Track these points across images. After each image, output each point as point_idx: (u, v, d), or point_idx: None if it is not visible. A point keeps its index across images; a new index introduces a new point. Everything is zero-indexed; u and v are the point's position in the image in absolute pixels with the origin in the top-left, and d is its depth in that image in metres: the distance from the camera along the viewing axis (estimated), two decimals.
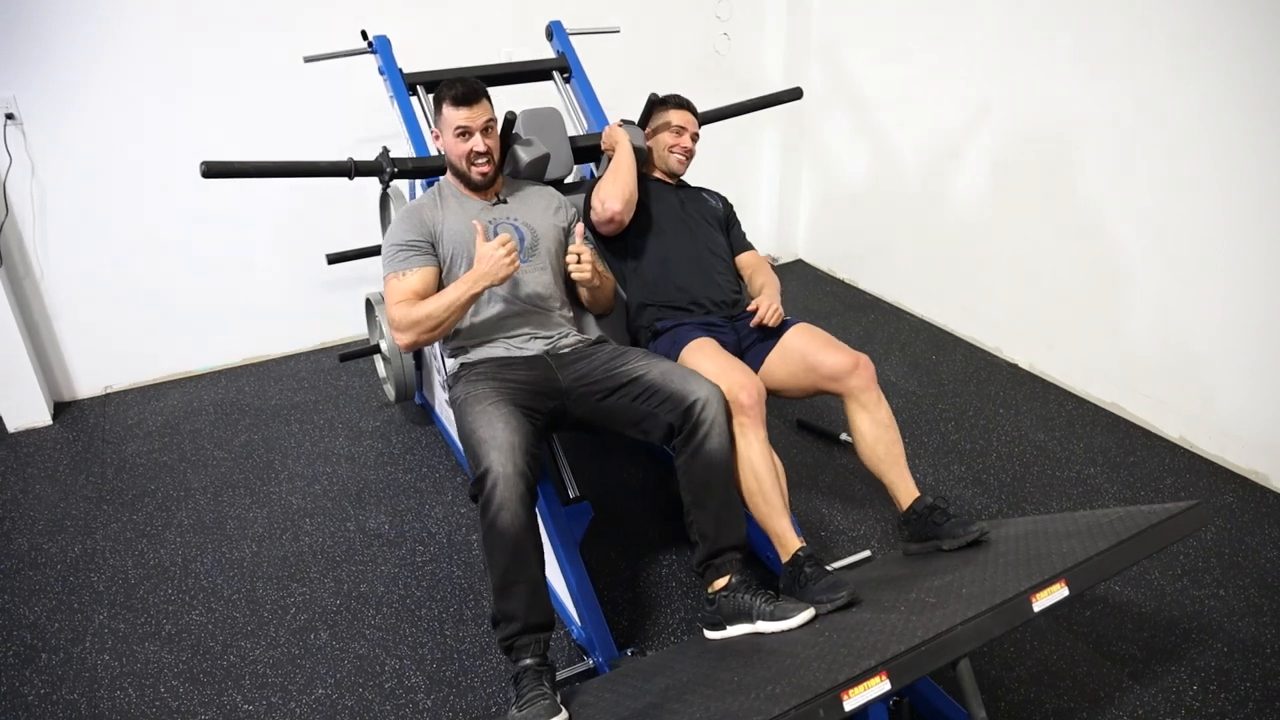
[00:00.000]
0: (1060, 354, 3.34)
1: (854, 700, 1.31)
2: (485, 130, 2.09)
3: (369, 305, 3.08)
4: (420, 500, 2.75)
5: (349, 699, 2.05)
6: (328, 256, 2.80)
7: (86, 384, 3.40)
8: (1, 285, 3.01)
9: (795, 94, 3.02)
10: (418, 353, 2.95)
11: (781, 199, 4.49)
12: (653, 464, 2.92)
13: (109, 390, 3.44)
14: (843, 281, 4.38)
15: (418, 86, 2.68)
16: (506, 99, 3.19)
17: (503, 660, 2.13)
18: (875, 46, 3.86)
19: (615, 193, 2.24)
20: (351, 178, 2.37)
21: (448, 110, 2.08)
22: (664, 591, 2.37)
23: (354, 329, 3.76)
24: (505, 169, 2.31)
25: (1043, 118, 3.18)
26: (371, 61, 2.83)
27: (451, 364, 2.16)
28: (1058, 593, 1.51)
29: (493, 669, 2.13)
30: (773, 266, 4.54)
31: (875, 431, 2.11)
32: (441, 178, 2.27)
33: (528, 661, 1.69)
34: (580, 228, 2.20)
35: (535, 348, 2.11)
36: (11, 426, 3.18)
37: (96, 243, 3.23)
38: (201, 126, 3.24)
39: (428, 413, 3.20)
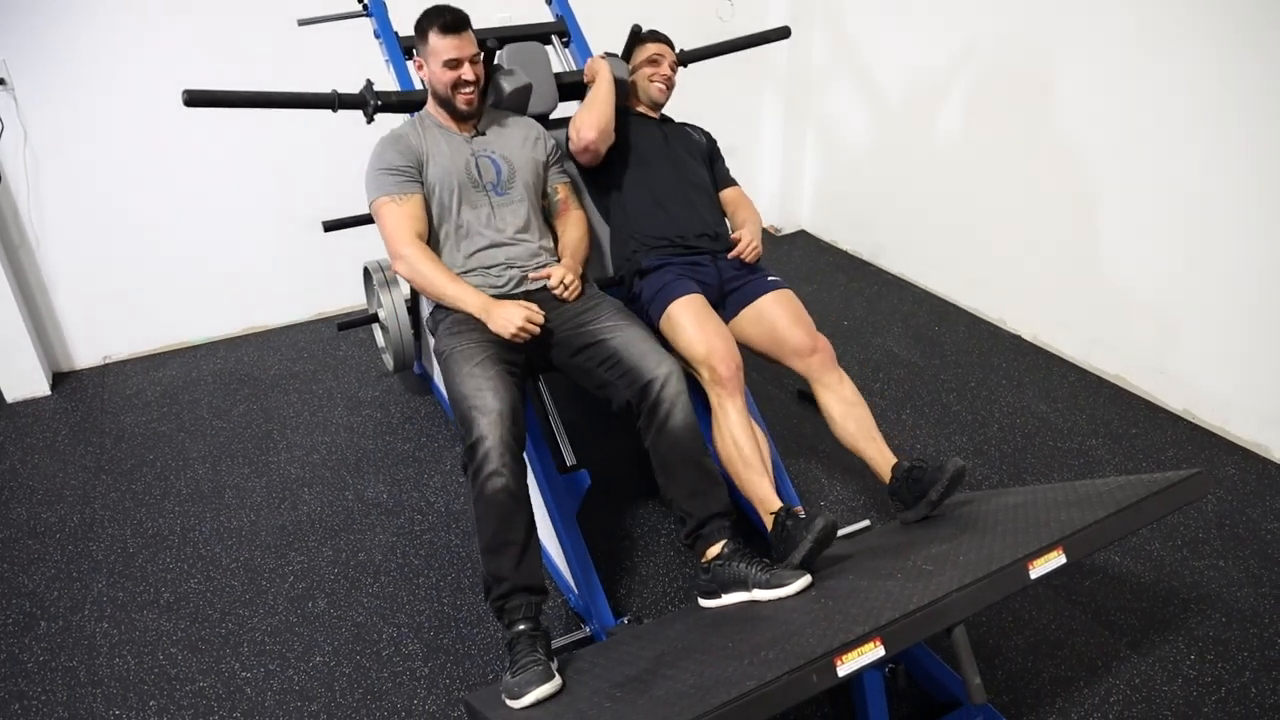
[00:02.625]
0: (1064, 325, 3.31)
1: (847, 666, 1.30)
2: (473, 60, 2.10)
3: (367, 274, 3.06)
4: (418, 470, 2.74)
5: (346, 666, 2.05)
6: (324, 224, 2.77)
7: (85, 354, 3.39)
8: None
9: (783, 33, 2.99)
10: (416, 322, 2.93)
11: (785, 170, 4.43)
12: None
13: (108, 360, 3.44)
14: (846, 253, 4.34)
15: (413, 51, 2.63)
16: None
17: (498, 630, 2.13)
18: (880, 14, 3.79)
19: (590, 121, 2.26)
20: (335, 110, 2.34)
21: (435, 39, 2.06)
22: (661, 560, 2.37)
23: (352, 299, 3.74)
24: (488, 99, 2.33)
25: (1053, 88, 3.13)
26: (367, 25, 2.77)
27: (433, 317, 2.16)
28: (1055, 560, 1.50)
29: (490, 637, 2.13)
30: (777, 237, 4.53)
31: (843, 409, 2.16)
32: (423, 109, 2.26)
33: (521, 627, 1.69)
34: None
35: (509, 277, 2.12)
36: (10, 397, 3.17)
37: (93, 211, 3.20)
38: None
39: (426, 383, 3.19)
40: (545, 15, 2.93)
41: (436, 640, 2.12)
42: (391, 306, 2.89)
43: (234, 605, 2.24)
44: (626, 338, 1.99)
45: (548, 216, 2.32)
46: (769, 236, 4.58)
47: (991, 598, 1.44)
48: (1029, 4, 3.13)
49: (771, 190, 4.51)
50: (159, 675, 2.04)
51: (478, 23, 2.31)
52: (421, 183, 2.11)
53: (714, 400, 2.07)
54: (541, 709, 1.54)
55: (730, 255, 2.30)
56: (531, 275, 2.14)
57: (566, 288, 2.10)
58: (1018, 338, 3.48)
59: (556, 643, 1.87)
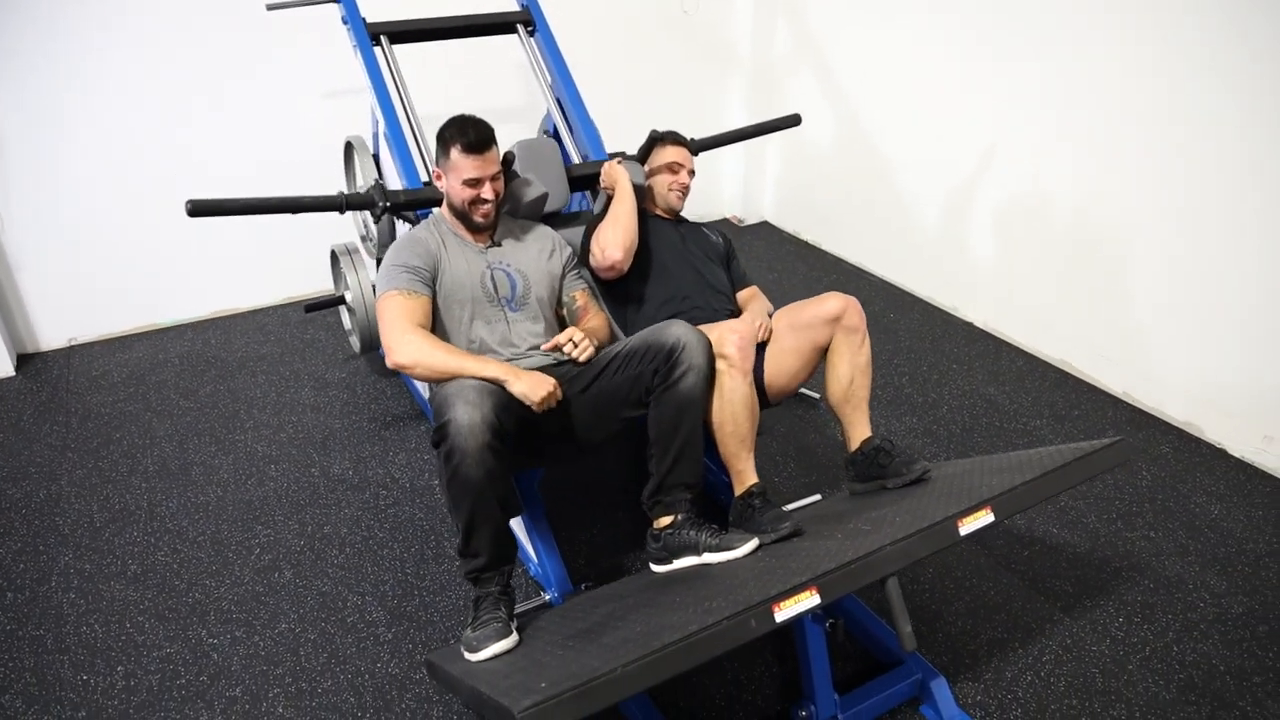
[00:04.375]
0: (1011, 313, 3.44)
1: (785, 612, 1.39)
2: (494, 178, 2.06)
3: (334, 256, 3.10)
4: (384, 447, 2.80)
5: (312, 633, 2.11)
6: (305, 307, 2.80)
7: (50, 336, 3.40)
8: None
9: (794, 120, 2.94)
10: None
11: (748, 161, 4.53)
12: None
13: (73, 342, 3.45)
14: (807, 244, 4.45)
15: (381, 36, 2.69)
16: (467, 51, 3.20)
17: (462, 597, 2.20)
18: (841, 7, 3.90)
19: (616, 240, 2.19)
20: (342, 212, 2.33)
21: (458, 156, 2.01)
22: (622, 535, 2.45)
23: (320, 283, 3.76)
24: (503, 208, 2.25)
25: (1003, 85, 3.25)
26: (335, 11, 2.82)
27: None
28: (983, 518, 1.60)
29: (451, 604, 2.19)
30: (739, 228, 4.62)
31: (851, 373, 2.13)
32: (437, 211, 2.21)
33: (490, 589, 1.75)
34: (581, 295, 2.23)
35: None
36: None
37: (60, 194, 3.22)
38: (166, 77, 3.23)
39: None
40: (510, 4, 2.99)
41: (400, 608, 2.18)
42: (359, 288, 2.94)
43: (201, 576, 2.29)
44: (641, 334, 1.96)
45: (564, 325, 2.23)
46: (732, 226, 4.67)
47: (922, 551, 1.54)
48: (981, 4, 3.24)
49: (735, 182, 4.61)
50: (126, 642, 2.08)
51: (443, 9, 2.36)
52: (434, 289, 2.03)
53: (721, 368, 1.99)
54: (498, 660, 1.61)
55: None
56: (544, 347, 2.07)
57: (576, 345, 2.01)
58: (969, 325, 3.60)
59: (518, 609, 1.93)
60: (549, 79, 2.85)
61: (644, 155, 2.48)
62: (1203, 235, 2.73)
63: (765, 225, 4.70)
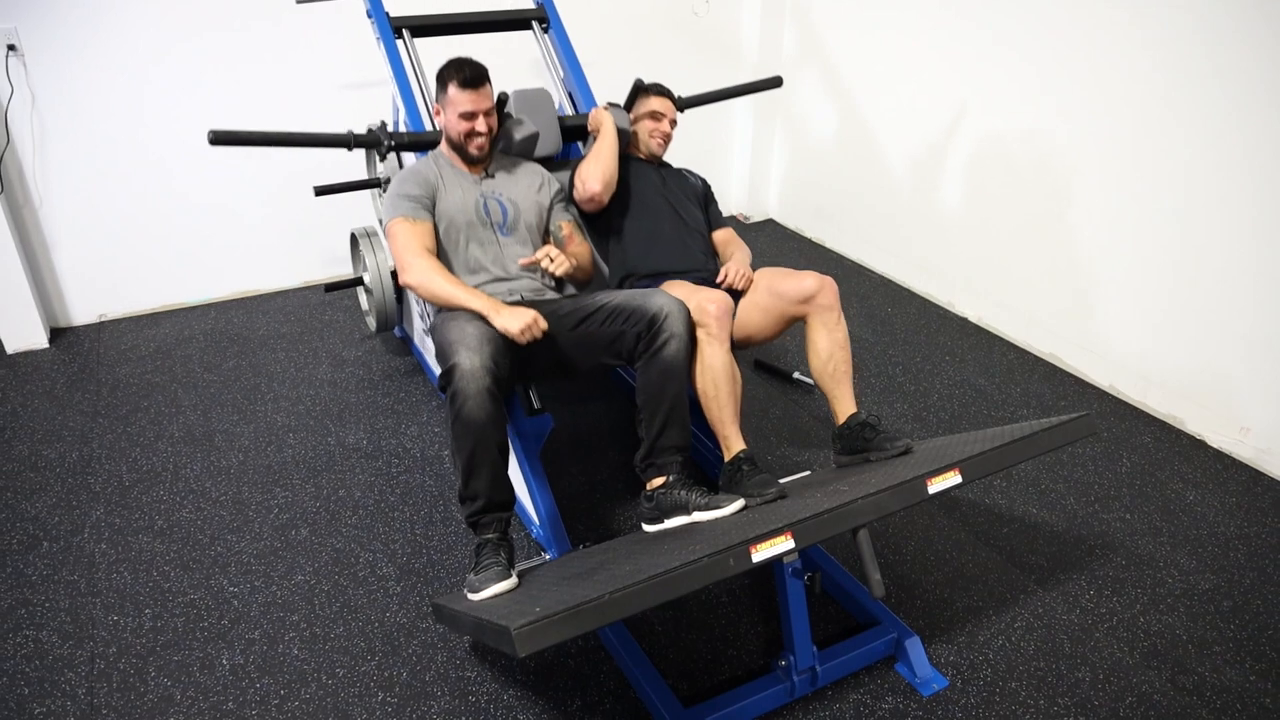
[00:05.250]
0: (1006, 308, 3.55)
1: (761, 554, 1.52)
2: (487, 113, 2.27)
3: (354, 240, 3.25)
4: (397, 420, 2.94)
5: (326, 584, 2.25)
6: (315, 189, 2.95)
7: (82, 311, 3.56)
8: (4, 212, 3.16)
9: (775, 82, 3.14)
10: (398, 286, 3.13)
11: (754, 160, 4.66)
12: (618, 393, 3.11)
13: (103, 318, 3.61)
14: (809, 240, 4.58)
15: (403, 30, 2.84)
16: (485, 46, 3.34)
17: (467, 555, 2.34)
18: (846, 10, 4.03)
19: (595, 173, 2.39)
20: (350, 149, 2.51)
21: (454, 91, 2.23)
22: (619, 500, 2.58)
23: (336, 268, 3.93)
24: (497, 145, 2.47)
25: (998, 89, 3.37)
26: (360, 4, 2.97)
27: (431, 306, 2.29)
28: (951, 479, 1.72)
29: (457, 563, 2.33)
30: (744, 225, 4.75)
31: (830, 349, 2.25)
32: (437, 149, 2.41)
33: (489, 535, 1.89)
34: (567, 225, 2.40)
35: (514, 299, 2.23)
36: (10, 348, 3.34)
37: (94, 174, 3.38)
38: (199, 64, 3.39)
39: (407, 344, 3.38)
40: (526, 2, 3.14)
41: (409, 564, 2.32)
42: (376, 270, 3.09)
43: (223, 532, 2.43)
44: (629, 293, 2.14)
45: None
46: (738, 224, 4.80)
47: (892, 505, 1.66)
48: (981, 5, 3.37)
49: (741, 180, 4.74)
50: (153, 589, 2.23)
51: (462, 5, 2.50)
52: (433, 214, 2.26)
53: (701, 338, 2.14)
54: (498, 598, 1.74)
55: (720, 282, 2.39)
56: (522, 262, 2.26)
57: (553, 260, 2.19)
58: (964, 320, 3.72)
59: (519, 566, 2.06)
60: (561, 74, 2.99)
61: (629, 103, 2.71)
62: (1188, 239, 2.84)
63: (770, 223, 4.83)
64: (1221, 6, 2.59)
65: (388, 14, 2.84)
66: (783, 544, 1.54)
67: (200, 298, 3.76)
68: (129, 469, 2.69)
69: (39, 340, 3.37)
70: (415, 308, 3.04)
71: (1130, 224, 3.00)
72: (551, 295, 2.35)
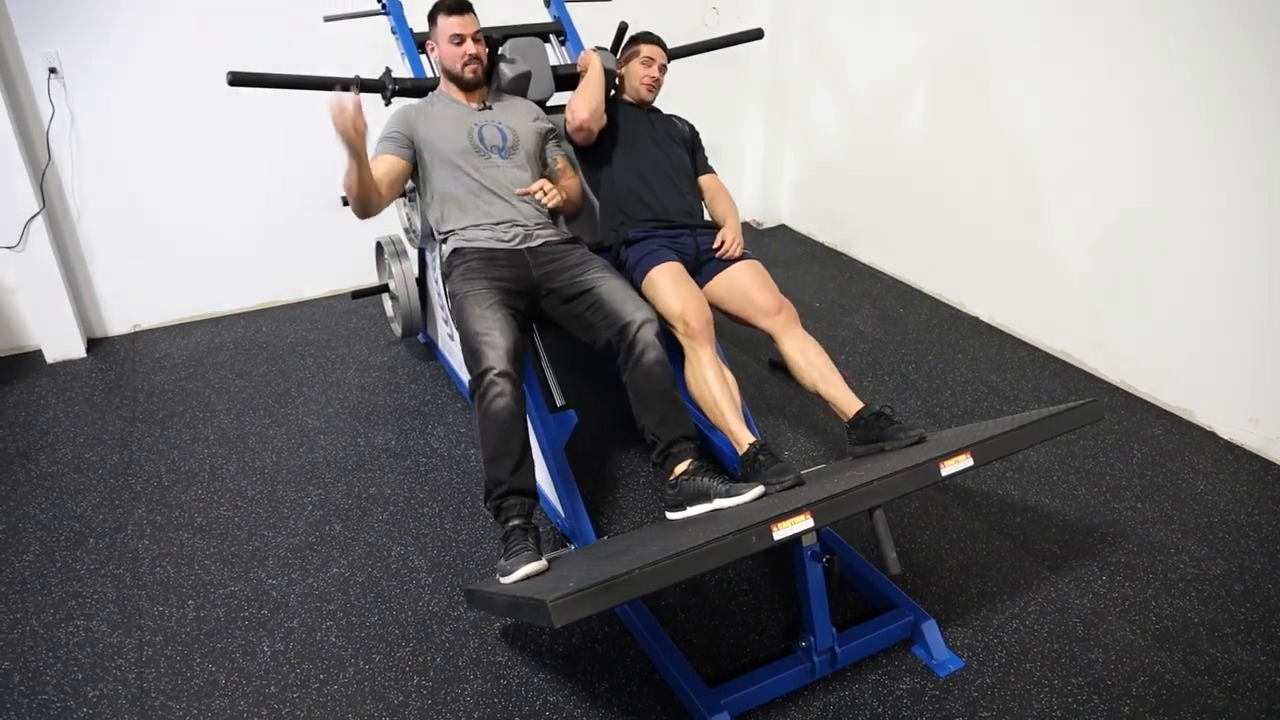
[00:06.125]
0: (1017, 307, 3.61)
1: (782, 532, 1.59)
2: (475, 38, 2.47)
3: (379, 248, 3.35)
4: (424, 421, 3.03)
5: (360, 576, 2.33)
6: (343, 198, 3.04)
7: (117, 322, 3.68)
8: (45, 227, 3.29)
9: (756, 34, 3.31)
10: (423, 292, 3.23)
11: (765, 168, 4.75)
12: None
13: (137, 328, 3.73)
14: (821, 244, 4.65)
15: (426, 45, 2.94)
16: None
17: (495, 548, 2.42)
18: (851, 20, 4.12)
19: (583, 103, 2.58)
20: (356, 93, 2.63)
21: (443, 20, 2.45)
22: (638, 491, 2.65)
23: (358, 278, 4.01)
24: (492, 83, 2.68)
25: (1007, 91, 3.45)
26: (386, 22, 3.08)
27: (445, 248, 2.47)
28: (963, 462, 1.78)
29: (485, 555, 2.41)
30: (758, 231, 4.84)
31: (806, 358, 2.42)
32: (435, 90, 2.61)
33: (515, 522, 1.98)
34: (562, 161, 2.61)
35: (515, 234, 2.43)
36: (50, 358, 3.46)
37: (127, 191, 3.50)
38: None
39: (430, 349, 3.48)
40: (544, 16, 3.24)
41: (439, 557, 2.40)
42: (401, 277, 3.19)
43: (259, 528, 2.52)
44: (610, 287, 2.30)
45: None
46: (751, 229, 4.89)
47: (907, 487, 1.73)
48: (986, 11, 3.45)
49: (754, 187, 4.83)
50: (195, 581, 2.32)
51: (486, 20, 2.63)
52: (411, 149, 2.45)
53: (687, 349, 2.37)
54: (529, 579, 1.82)
55: (716, 252, 2.58)
56: (518, 191, 2.44)
57: (546, 193, 2.40)
58: (976, 319, 3.78)
59: (546, 556, 2.13)
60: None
61: (616, 46, 2.91)
62: (1194, 233, 2.90)
63: (783, 228, 4.91)
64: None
65: (411, 30, 2.96)
66: (802, 523, 1.61)
67: (229, 308, 3.87)
68: (168, 470, 2.79)
69: (77, 350, 3.49)
70: (439, 313, 3.13)
71: (1137, 219, 3.06)
72: (549, 229, 2.50)
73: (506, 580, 1.85)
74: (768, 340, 2.53)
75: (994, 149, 3.55)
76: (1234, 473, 2.75)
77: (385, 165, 2.41)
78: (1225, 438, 2.92)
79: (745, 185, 4.82)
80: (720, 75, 4.46)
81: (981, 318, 3.77)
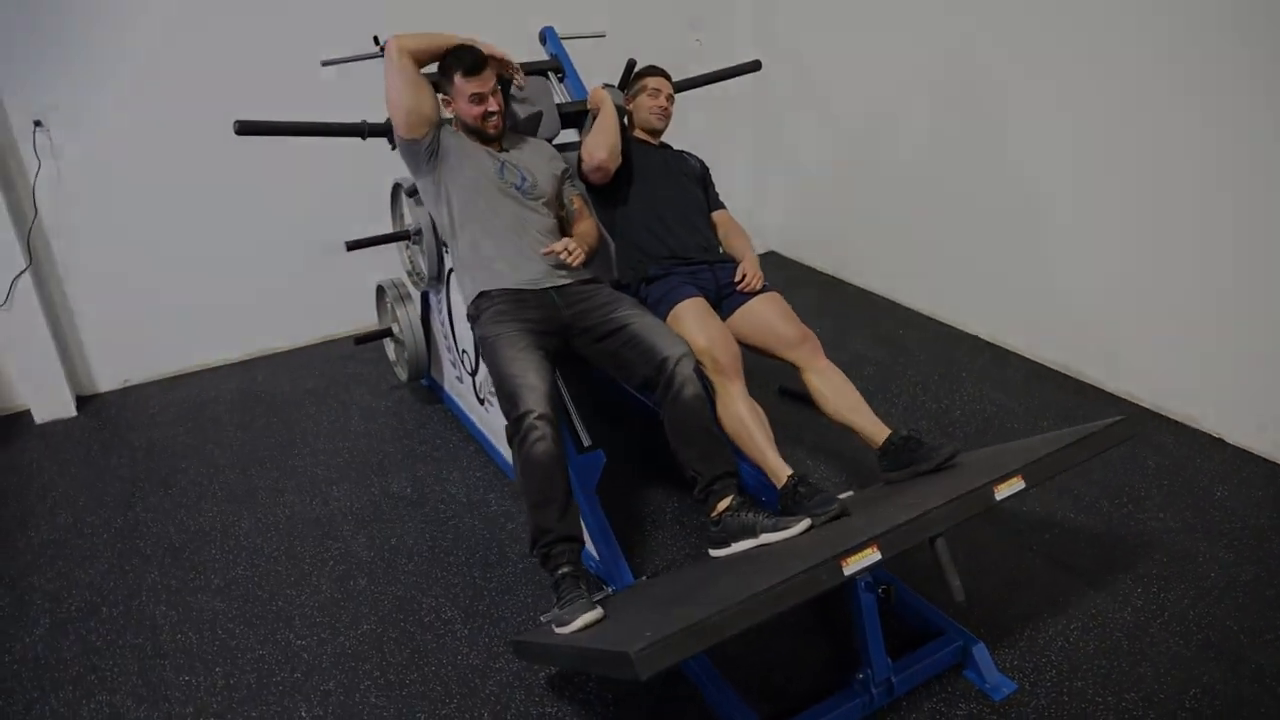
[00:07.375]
0: (1016, 324, 3.66)
1: (851, 567, 1.57)
2: (494, 92, 2.45)
3: (380, 291, 3.30)
4: (438, 467, 2.97)
5: (393, 631, 2.26)
6: (347, 244, 3.00)
7: (107, 378, 3.58)
8: (32, 284, 3.19)
9: (754, 66, 3.34)
10: (428, 335, 3.18)
11: (753, 194, 4.79)
12: (657, 423, 3.16)
13: (127, 383, 3.62)
14: (815, 270, 4.69)
15: (434, 87, 2.92)
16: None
17: (529, 595, 2.36)
18: (836, 46, 4.19)
19: (601, 143, 2.55)
20: (364, 138, 2.62)
21: (460, 81, 2.41)
22: (670, 531, 2.62)
23: (354, 323, 3.94)
24: (506, 122, 2.65)
25: (998, 113, 3.52)
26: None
27: (471, 290, 2.42)
28: (1016, 485, 1.79)
29: (520, 602, 2.35)
30: None
31: (832, 388, 2.42)
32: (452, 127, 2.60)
33: (565, 569, 1.93)
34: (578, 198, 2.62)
35: (539, 274, 2.39)
36: (39, 419, 3.34)
37: (114, 243, 3.42)
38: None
39: (435, 392, 3.42)
40: (541, 54, 3.24)
41: (472, 606, 2.34)
42: (407, 320, 3.14)
43: (281, 587, 2.44)
44: (645, 324, 2.28)
45: (564, 227, 2.62)
46: None
47: (964, 514, 1.72)
48: (973, 31, 3.53)
49: (742, 215, 4.80)
50: (220, 647, 2.23)
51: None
52: (437, 127, 2.44)
53: (718, 385, 2.33)
54: (589, 629, 1.78)
55: (738, 286, 2.59)
56: (543, 251, 2.40)
57: (571, 253, 2.34)
58: (975, 337, 3.82)
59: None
60: None
61: (623, 82, 2.91)
62: (1194, 244, 2.97)
63: (772, 254, 4.94)
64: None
65: None
66: (870, 556, 1.59)
67: (222, 358, 3.78)
68: (177, 530, 2.69)
69: (68, 409, 3.38)
70: (445, 355, 3.09)
71: (1136, 231, 3.13)
72: (570, 278, 2.45)
73: (564, 630, 1.81)
74: (776, 369, 2.53)
75: (985, 165, 3.61)
76: (1247, 478, 2.80)
77: (428, 92, 2.42)
78: (1234, 444, 2.96)
79: (732, 211, 4.82)
80: (706, 105, 4.48)
81: (981, 335, 3.82)
